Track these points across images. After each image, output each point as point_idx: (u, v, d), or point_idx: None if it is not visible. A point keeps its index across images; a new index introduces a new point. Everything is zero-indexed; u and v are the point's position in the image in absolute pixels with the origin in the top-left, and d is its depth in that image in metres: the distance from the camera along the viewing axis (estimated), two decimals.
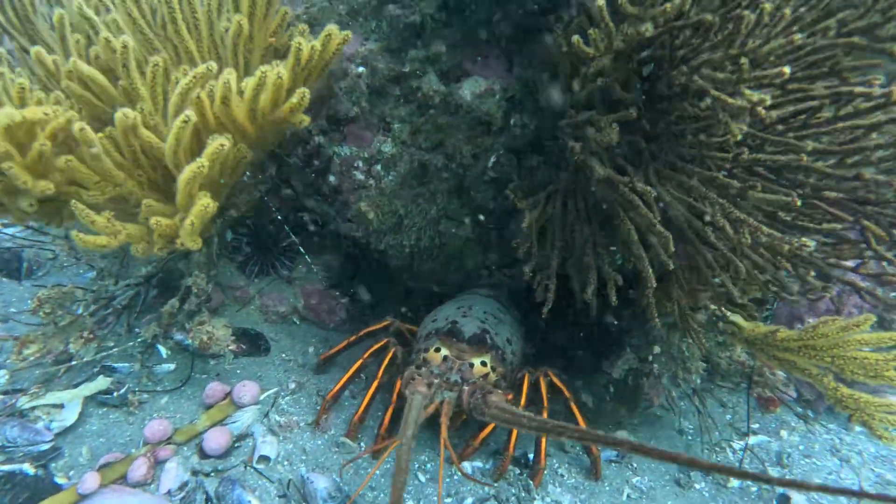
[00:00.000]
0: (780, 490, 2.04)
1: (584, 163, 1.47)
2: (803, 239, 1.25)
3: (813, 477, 2.19)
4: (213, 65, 1.53)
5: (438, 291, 2.89)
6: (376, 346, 2.03)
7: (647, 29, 1.19)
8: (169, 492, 1.73)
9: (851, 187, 1.37)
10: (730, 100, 1.30)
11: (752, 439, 2.45)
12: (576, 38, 1.31)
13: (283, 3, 2.20)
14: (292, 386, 2.20)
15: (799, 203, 1.23)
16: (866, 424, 1.59)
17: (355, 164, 2.30)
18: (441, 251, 2.59)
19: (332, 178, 2.39)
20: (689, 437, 2.49)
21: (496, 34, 2.07)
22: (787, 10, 1.24)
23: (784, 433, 2.47)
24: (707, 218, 1.34)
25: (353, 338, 2.19)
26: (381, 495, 1.76)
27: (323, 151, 2.33)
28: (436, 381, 1.79)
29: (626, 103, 1.38)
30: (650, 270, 1.45)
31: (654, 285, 1.49)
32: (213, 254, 2.06)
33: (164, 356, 2.29)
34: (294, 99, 1.57)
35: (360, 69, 2.00)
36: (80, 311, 2.19)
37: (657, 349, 2.02)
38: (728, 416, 2.64)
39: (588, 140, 1.46)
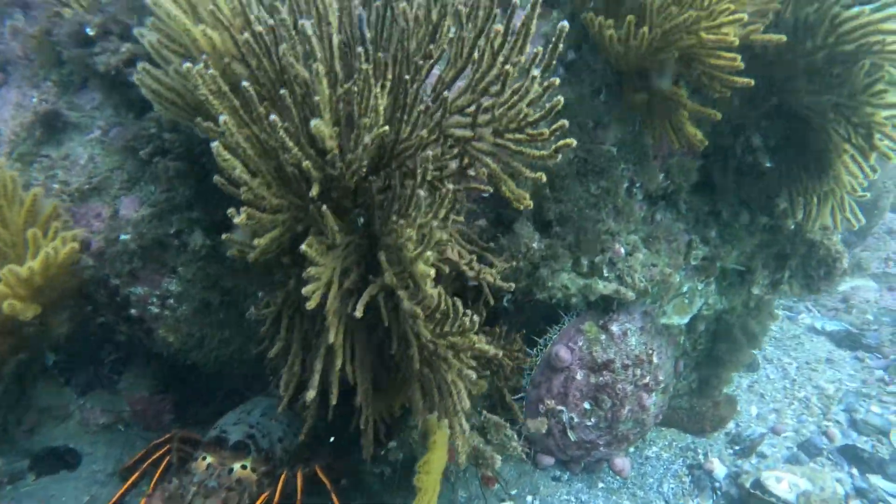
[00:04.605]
0: None
1: None
2: None
3: None
4: None
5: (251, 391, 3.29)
6: (154, 457, 2.40)
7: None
8: None
9: None
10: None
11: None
12: None
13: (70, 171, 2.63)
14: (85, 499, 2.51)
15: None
16: None
17: (150, 301, 2.70)
18: (243, 363, 3.01)
19: (133, 311, 2.77)
20: None
21: None
22: None
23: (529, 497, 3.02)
24: None
25: (141, 453, 2.51)
26: None
27: (121, 291, 2.73)
28: (193, 489, 2.20)
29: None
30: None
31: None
32: (7, 380, 2.37)
33: None
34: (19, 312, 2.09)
35: (127, 236, 2.45)
36: None
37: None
38: (497, 486, 3.15)
39: None
